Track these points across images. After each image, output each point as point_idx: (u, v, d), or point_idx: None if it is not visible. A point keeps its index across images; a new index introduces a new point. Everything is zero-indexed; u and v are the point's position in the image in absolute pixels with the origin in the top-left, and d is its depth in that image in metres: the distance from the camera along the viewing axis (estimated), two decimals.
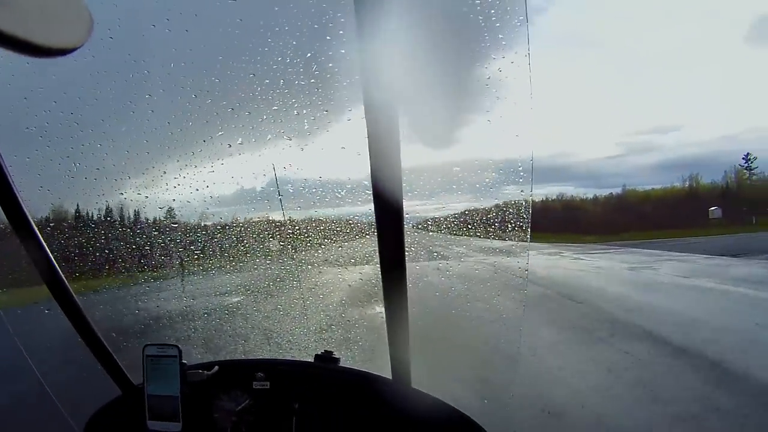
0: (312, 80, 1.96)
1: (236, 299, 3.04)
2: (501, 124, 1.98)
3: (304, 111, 2.06)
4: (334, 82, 1.90)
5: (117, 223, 2.61)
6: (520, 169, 2.06)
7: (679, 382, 6.24)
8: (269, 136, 2.17)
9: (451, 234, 2.77)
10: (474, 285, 3.44)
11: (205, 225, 2.74)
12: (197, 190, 2.37)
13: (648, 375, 6.56)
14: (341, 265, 3.58)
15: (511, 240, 2.43)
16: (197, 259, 2.79)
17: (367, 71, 1.15)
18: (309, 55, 1.93)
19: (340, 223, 2.92)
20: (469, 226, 2.63)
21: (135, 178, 2.30)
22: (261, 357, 2.20)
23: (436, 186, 2.21)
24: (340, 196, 2.43)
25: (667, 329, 8.63)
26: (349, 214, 2.72)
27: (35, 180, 2.09)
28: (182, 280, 2.92)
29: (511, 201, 2.34)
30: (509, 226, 2.33)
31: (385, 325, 1.59)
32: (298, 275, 3.01)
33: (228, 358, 2.01)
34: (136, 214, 2.60)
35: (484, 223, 2.50)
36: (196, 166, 2.27)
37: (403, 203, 1.31)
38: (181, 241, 2.72)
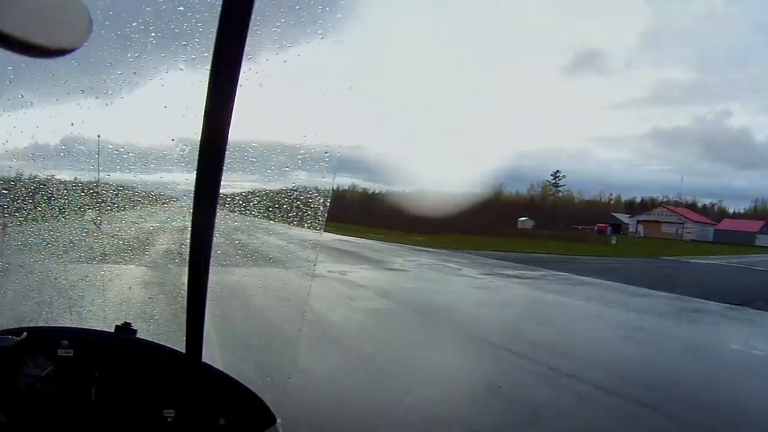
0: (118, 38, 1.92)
1: (44, 266, 3.09)
2: (308, 109, 2.02)
3: (108, 68, 2.03)
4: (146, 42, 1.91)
5: None
6: (324, 156, 2.15)
7: None
8: (68, 91, 2.08)
9: (243, 214, 2.85)
10: (267, 268, 3.80)
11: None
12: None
13: None
14: (146, 238, 3.78)
15: (306, 227, 2.56)
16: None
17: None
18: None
19: (147, 192, 2.99)
20: (263, 208, 2.75)
21: None
22: (64, 325, 2.25)
23: (232, 162, 2.05)
24: (145, 161, 2.43)
25: None
26: (156, 183, 2.74)
27: None
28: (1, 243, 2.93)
29: (309, 187, 2.43)
30: (306, 213, 2.43)
31: (182, 301, 1.67)
32: (101, 244, 3.16)
33: (33, 324, 2.07)
34: None
35: (278, 206, 2.62)
36: None
37: (220, 181, 1.40)
38: None
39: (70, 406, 1.86)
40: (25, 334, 1.88)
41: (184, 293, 1.66)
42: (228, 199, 2.72)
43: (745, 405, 7.58)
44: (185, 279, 1.63)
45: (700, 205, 73.41)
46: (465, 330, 11.71)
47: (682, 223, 67.23)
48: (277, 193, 2.66)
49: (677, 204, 72.35)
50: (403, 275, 21.20)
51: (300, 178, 2.44)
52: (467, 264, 26.64)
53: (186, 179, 2.32)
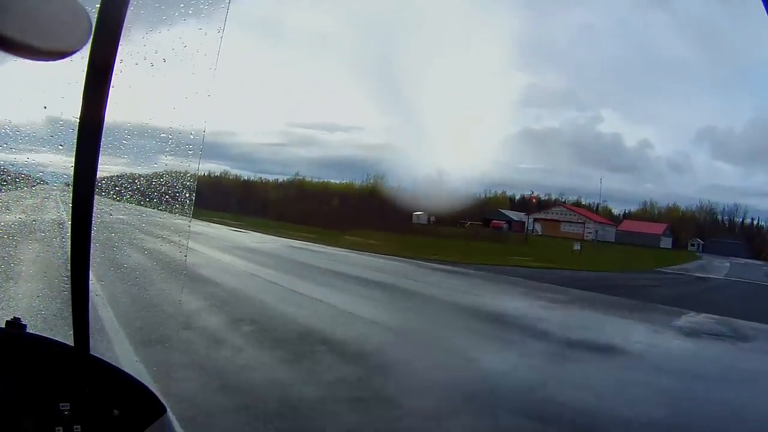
0: None
1: None
2: (175, 91, 2.00)
3: None
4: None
5: None
6: (189, 140, 2.13)
7: None
8: None
9: (110, 198, 2.76)
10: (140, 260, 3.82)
11: None
12: None
13: None
14: (25, 228, 3.68)
15: (176, 213, 2.54)
16: None
17: None
18: None
19: (17, 174, 2.83)
20: (130, 193, 2.69)
21: None
22: None
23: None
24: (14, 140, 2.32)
25: None
26: (25, 164, 2.59)
27: None
28: None
29: (176, 172, 2.41)
30: (175, 198, 2.40)
31: (68, 293, 1.66)
32: None
33: None
34: None
35: (145, 191, 2.61)
36: None
37: (97, 167, 1.38)
38: None
39: None
40: None
41: (68, 285, 1.66)
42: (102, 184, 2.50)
43: None
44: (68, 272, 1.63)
45: (585, 203, 71.16)
46: None
47: (583, 223, 65.83)
48: (148, 178, 2.64)
49: (557, 202, 70.78)
50: None
51: (167, 163, 2.43)
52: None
53: (53, 161, 2.32)
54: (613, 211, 71.41)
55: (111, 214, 3.05)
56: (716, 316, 17.87)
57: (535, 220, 69.50)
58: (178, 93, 1.99)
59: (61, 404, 1.76)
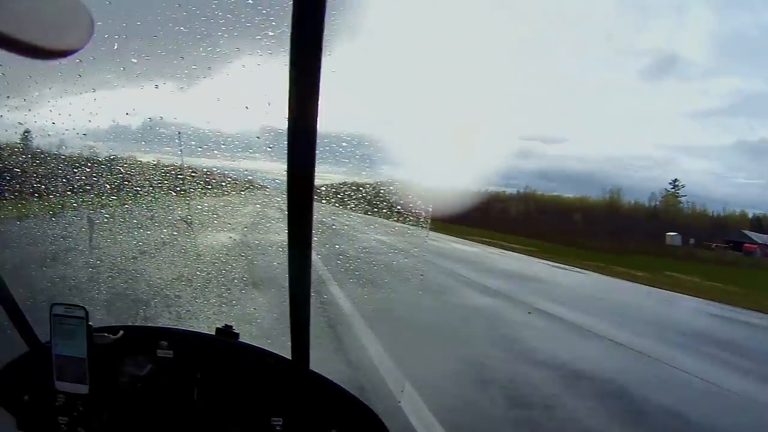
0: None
1: (140, 265, 3.00)
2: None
3: (188, 55, 2.05)
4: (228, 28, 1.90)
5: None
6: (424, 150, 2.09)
7: None
8: (152, 74, 2.14)
9: (332, 206, 2.79)
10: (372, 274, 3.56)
11: (91, 159, 2.68)
12: (79, 123, 2.30)
13: None
14: (239, 236, 3.61)
15: (410, 225, 2.43)
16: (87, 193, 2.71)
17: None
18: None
19: (235, 180, 2.97)
20: (354, 201, 2.63)
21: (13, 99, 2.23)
22: (162, 325, 2.22)
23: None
24: (231, 148, 2.42)
25: None
26: (236, 171, 2.74)
27: None
28: (90, 240, 2.84)
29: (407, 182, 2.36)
30: (408, 208, 2.35)
31: (286, 304, 1.66)
32: (196, 244, 3.03)
33: (129, 323, 2.07)
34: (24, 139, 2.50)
35: (372, 200, 2.54)
36: (77, 95, 2.20)
37: (315, 175, 1.28)
38: (67, 173, 2.62)
39: (172, 408, 1.83)
40: (121, 332, 1.80)
41: (287, 296, 1.49)
42: (321, 191, 2.68)
43: None
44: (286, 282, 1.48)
45: None
46: None
47: None
48: (374, 186, 2.54)
49: None
50: None
51: (401, 172, 2.40)
52: None
53: (274, 168, 2.47)
54: None
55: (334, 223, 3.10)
56: None
57: None
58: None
59: (273, 419, 1.75)
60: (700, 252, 45.64)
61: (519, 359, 6.23)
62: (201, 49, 2.02)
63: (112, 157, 2.67)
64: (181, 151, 2.44)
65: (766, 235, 57.81)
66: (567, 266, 27.85)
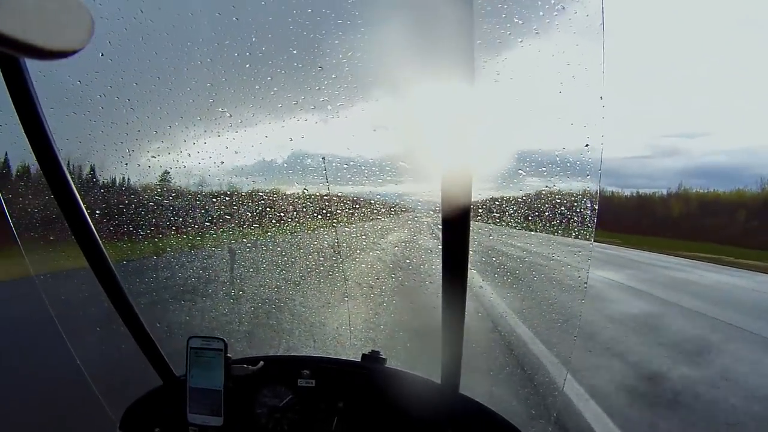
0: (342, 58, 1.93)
1: (284, 294, 3.03)
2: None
3: (329, 84, 2.02)
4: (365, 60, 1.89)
5: (152, 190, 2.61)
6: (583, 158, 1.96)
7: None
8: (294, 108, 2.14)
9: (498, 224, 2.62)
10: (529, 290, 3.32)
11: (241, 195, 2.73)
12: (221, 161, 2.36)
13: None
14: (389, 258, 3.55)
15: (573, 236, 2.26)
16: (238, 227, 2.80)
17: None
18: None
19: (383, 207, 2.86)
20: (520, 218, 2.50)
21: (156, 143, 2.30)
22: (306, 354, 2.18)
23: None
24: (373, 176, 2.38)
25: None
26: (381, 195, 2.66)
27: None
28: (231, 271, 2.93)
29: (573, 191, 2.22)
30: (572, 219, 2.21)
31: (432, 328, 1.56)
32: (343, 269, 2.99)
33: (272, 353, 2.06)
34: (168, 180, 2.60)
35: (538, 213, 2.38)
36: (219, 135, 2.26)
37: (472, 193, 1.25)
38: (213, 211, 2.72)
39: None
40: (261, 363, 1.88)
41: (438, 317, 1.52)
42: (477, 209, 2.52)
43: None
44: (438, 302, 1.50)
45: None
46: None
47: None
48: (534, 199, 2.39)
49: None
50: None
51: (558, 182, 2.19)
52: None
53: (420, 189, 2.43)
54: None
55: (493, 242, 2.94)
56: None
57: None
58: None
59: None
60: None
61: None
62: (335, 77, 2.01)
63: (254, 189, 2.71)
64: (325, 175, 2.44)
65: None
66: None
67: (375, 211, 2.83)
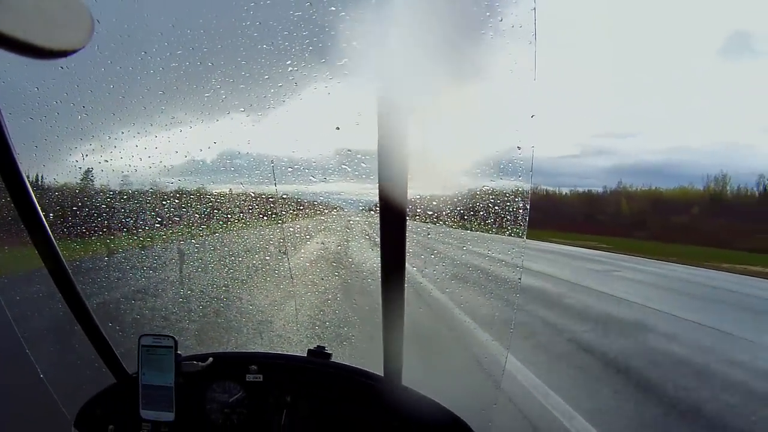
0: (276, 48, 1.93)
1: (232, 292, 3.06)
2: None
3: (266, 78, 2.03)
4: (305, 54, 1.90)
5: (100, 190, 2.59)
6: (516, 156, 2.00)
7: None
8: (224, 107, 2.17)
9: (435, 223, 2.60)
10: (466, 285, 3.43)
11: (178, 194, 2.72)
12: (171, 164, 2.39)
13: None
14: (331, 255, 3.60)
15: (507, 235, 2.31)
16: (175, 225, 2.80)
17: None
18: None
19: (325, 207, 2.92)
20: (456, 216, 2.51)
21: (89, 143, 2.30)
22: (254, 350, 2.25)
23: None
24: (314, 175, 2.40)
25: None
26: (323, 194, 2.71)
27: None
28: (181, 271, 2.94)
29: (505, 191, 2.27)
30: (506, 219, 2.26)
31: (377, 322, 1.60)
32: (289, 268, 3.04)
33: (221, 350, 2.07)
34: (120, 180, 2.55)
35: (473, 213, 2.43)
36: (169, 140, 2.27)
37: (407, 192, 1.30)
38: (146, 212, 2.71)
39: None
40: (210, 359, 1.91)
41: (380, 312, 1.56)
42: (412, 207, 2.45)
43: None
44: (379, 298, 1.54)
45: None
46: None
47: None
48: (469, 199, 2.41)
49: None
50: None
51: (491, 182, 2.25)
52: None
53: (351, 188, 2.46)
54: None
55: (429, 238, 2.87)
56: None
57: None
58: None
59: None
60: None
61: None
62: (283, 68, 2.02)
63: (199, 189, 2.72)
64: (273, 176, 2.44)
65: None
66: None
67: (317, 211, 2.88)
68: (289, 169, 2.40)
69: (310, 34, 1.87)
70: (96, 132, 2.21)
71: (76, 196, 2.47)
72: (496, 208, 2.29)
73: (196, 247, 2.92)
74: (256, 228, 2.93)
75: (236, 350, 2.14)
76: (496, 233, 2.38)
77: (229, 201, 2.76)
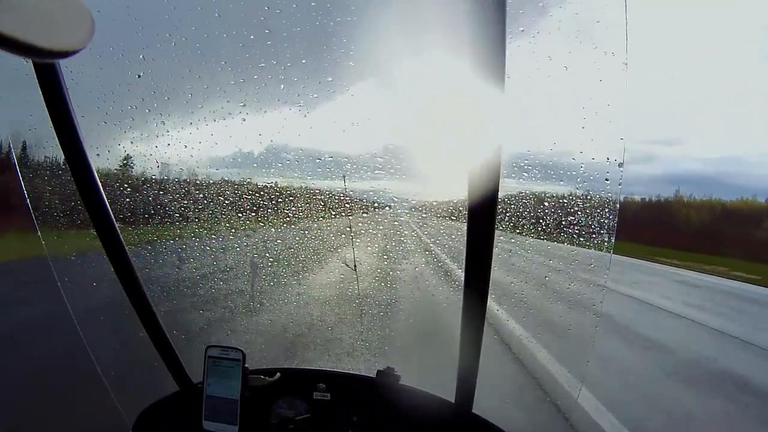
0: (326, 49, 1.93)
1: (303, 308, 3.05)
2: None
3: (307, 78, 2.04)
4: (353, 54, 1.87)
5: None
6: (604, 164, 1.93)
7: None
8: (276, 101, 2.14)
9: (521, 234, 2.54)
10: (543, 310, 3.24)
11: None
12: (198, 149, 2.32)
13: None
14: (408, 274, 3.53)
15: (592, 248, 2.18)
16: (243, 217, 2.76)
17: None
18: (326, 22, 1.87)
19: (377, 205, 2.87)
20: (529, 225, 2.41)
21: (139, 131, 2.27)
22: (321, 367, 2.18)
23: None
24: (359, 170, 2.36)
25: None
26: (377, 191, 2.60)
27: None
28: (252, 284, 2.96)
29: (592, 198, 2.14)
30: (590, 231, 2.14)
31: (447, 346, 1.63)
32: (357, 286, 3.01)
33: (287, 365, 2.02)
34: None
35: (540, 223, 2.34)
36: (227, 127, 2.25)
37: (496, 209, 1.19)
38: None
39: None
40: (278, 374, 1.89)
41: (455, 336, 1.51)
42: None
43: None
44: (457, 321, 1.47)
45: None
46: None
47: None
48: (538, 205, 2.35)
49: None
50: None
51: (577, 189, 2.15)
52: None
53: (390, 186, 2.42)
54: None
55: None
56: None
57: None
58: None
59: None
60: None
61: None
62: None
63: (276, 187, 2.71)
64: (344, 180, 2.42)
65: None
66: None
67: (376, 212, 2.81)
68: (348, 166, 2.36)
69: (363, 32, 1.85)
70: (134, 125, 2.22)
71: (150, 187, 2.52)
72: (579, 216, 2.18)
73: (271, 261, 2.92)
74: (329, 239, 2.91)
75: (303, 366, 2.10)
76: (577, 245, 2.25)
77: (305, 196, 2.74)
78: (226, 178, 2.70)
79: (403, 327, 3.21)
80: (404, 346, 3.02)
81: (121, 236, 1.61)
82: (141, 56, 1.99)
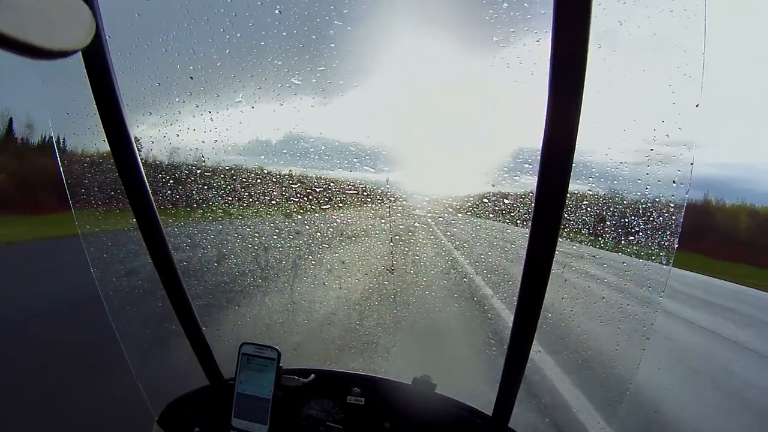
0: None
1: (340, 310, 3.03)
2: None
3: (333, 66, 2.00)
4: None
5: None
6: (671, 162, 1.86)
7: None
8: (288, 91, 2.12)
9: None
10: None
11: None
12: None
13: None
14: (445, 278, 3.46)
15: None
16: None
17: None
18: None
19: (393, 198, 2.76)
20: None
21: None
22: (355, 371, 2.12)
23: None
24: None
25: None
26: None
27: None
28: (292, 284, 2.95)
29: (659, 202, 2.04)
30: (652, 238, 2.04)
31: (487, 357, 1.50)
32: (394, 291, 2.96)
33: (319, 365, 2.00)
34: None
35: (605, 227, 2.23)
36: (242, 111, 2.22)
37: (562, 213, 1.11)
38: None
39: None
40: (312, 376, 1.87)
41: (496, 350, 1.65)
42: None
43: None
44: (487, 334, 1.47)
45: None
46: None
47: None
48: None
49: None
50: None
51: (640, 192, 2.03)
52: None
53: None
54: None
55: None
56: None
57: None
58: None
59: None
60: None
61: None
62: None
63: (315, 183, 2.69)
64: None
65: None
66: None
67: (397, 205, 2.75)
68: (366, 157, 2.34)
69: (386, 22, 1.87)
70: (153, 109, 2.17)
71: (198, 175, 2.52)
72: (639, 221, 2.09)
73: (313, 264, 2.90)
74: (369, 239, 2.88)
75: (338, 369, 2.07)
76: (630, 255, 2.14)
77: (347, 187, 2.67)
78: (270, 170, 2.67)
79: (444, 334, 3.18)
80: (442, 356, 2.98)
81: (162, 229, 1.59)
82: (192, 50, 1.99)
